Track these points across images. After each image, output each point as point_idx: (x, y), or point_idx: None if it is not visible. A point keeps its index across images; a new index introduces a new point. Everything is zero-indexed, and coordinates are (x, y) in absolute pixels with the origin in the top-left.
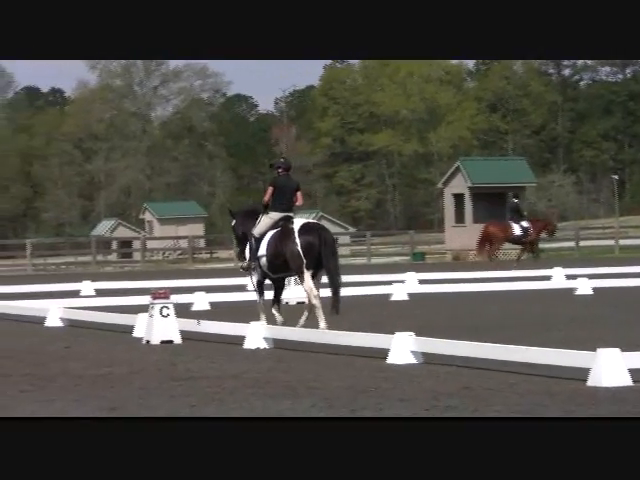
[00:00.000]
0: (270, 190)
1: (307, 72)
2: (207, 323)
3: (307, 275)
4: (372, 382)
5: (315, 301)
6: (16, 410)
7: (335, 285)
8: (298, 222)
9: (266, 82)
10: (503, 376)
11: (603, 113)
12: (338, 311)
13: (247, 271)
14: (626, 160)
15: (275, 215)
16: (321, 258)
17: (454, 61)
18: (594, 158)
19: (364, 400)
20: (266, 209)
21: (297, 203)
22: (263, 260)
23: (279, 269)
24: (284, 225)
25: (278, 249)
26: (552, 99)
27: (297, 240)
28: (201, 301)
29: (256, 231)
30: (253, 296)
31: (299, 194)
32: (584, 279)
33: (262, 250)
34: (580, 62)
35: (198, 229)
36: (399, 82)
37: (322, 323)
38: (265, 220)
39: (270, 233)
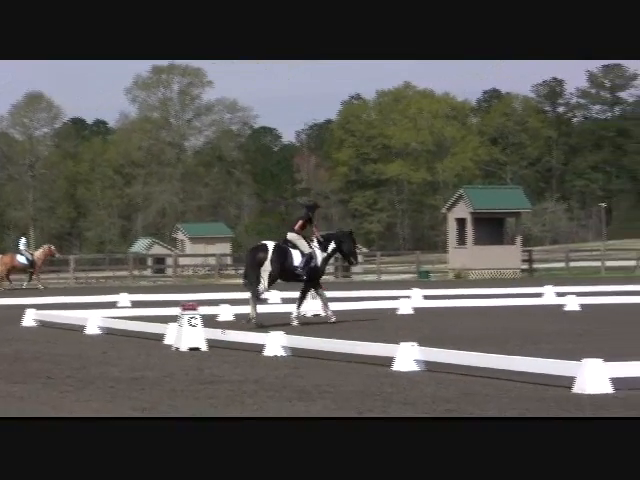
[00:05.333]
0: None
1: (326, 107)
2: (231, 332)
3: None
4: (378, 387)
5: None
6: (58, 409)
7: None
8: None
9: (289, 116)
10: (499, 383)
11: (593, 147)
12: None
13: None
14: (613, 190)
15: None
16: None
17: (459, 98)
18: (584, 187)
19: (371, 403)
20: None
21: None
22: None
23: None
24: None
25: None
26: (547, 134)
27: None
28: (226, 313)
29: None
30: (273, 308)
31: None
32: (572, 296)
33: None
34: (573, 101)
35: (225, 248)
36: (409, 117)
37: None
38: None
39: None
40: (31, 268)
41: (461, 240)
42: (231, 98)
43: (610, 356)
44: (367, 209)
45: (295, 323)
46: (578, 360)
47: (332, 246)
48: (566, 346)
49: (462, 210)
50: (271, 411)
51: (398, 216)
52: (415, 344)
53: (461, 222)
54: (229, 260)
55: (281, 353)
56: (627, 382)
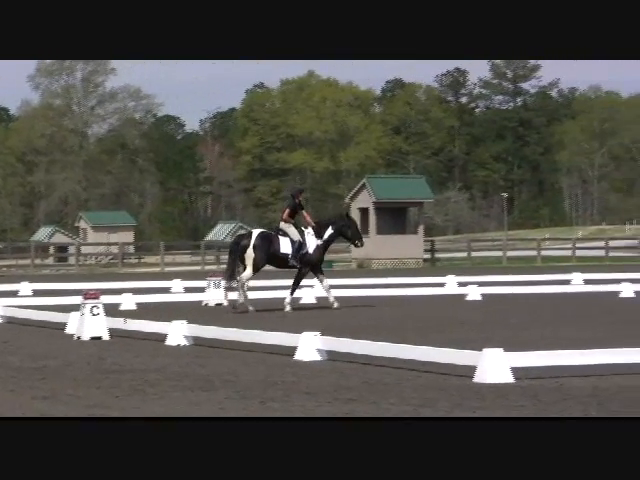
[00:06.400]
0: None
1: (230, 95)
2: (133, 322)
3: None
4: (281, 377)
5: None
6: None
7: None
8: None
9: (193, 104)
10: (400, 372)
11: (496, 137)
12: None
13: None
14: (515, 180)
15: None
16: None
17: (363, 88)
18: (486, 177)
19: (273, 392)
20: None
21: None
22: None
23: None
24: None
25: None
26: (450, 124)
27: None
28: (128, 302)
29: None
30: (175, 297)
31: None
32: (474, 286)
33: None
34: (476, 91)
35: (128, 236)
36: (313, 106)
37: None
38: None
39: None
40: None
41: (364, 229)
42: (135, 86)
43: (511, 346)
44: (271, 198)
45: (288, 309)
46: (479, 350)
47: (329, 232)
48: (467, 335)
49: (365, 199)
50: (173, 400)
51: None
52: (317, 333)
53: (364, 211)
54: (132, 249)
55: (183, 342)
56: (528, 371)
